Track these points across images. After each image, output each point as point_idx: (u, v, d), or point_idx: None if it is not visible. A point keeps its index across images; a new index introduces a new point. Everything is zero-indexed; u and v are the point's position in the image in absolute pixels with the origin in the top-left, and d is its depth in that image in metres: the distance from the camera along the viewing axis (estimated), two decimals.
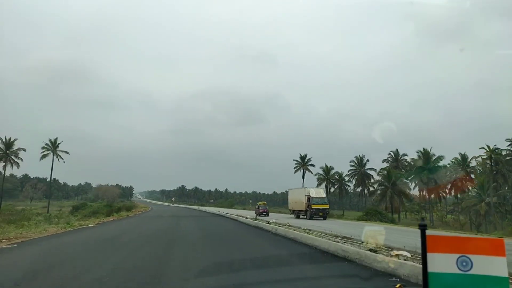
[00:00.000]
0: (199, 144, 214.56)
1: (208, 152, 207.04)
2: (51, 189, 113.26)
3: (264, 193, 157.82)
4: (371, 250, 5.84)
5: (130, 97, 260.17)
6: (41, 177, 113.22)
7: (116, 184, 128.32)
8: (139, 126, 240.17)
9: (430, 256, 1.49)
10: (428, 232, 1.53)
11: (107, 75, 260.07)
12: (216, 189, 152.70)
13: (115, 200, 63.22)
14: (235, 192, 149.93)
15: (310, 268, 5.62)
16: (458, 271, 1.45)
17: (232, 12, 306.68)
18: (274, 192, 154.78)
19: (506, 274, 1.41)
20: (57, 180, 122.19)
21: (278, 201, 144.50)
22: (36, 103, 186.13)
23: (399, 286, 1.76)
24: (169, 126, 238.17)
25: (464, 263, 1.45)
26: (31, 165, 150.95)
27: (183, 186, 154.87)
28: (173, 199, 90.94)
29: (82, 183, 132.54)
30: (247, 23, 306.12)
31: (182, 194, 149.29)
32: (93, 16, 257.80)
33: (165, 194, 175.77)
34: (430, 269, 1.48)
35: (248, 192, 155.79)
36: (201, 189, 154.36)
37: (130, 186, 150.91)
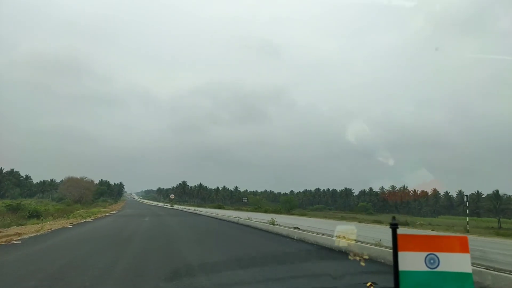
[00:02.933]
0: (200, 142, 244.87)
1: (210, 151, 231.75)
2: (6, 183, 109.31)
3: (279, 192, 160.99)
4: None
5: (128, 94, 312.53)
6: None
7: (101, 180, 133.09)
8: (136, 123, 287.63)
9: (400, 255, 1.91)
10: (399, 231, 1.94)
11: (104, 71, 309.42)
12: (224, 186, 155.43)
13: (84, 198, 57.70)
14: (246, 190, 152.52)
15: None
16: (427, 269, 1.87)
17: (236, 9, 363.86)
18: (292, 191, 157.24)
19: (470, 270, 1.82)
20: (17, 172, 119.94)
21: (300, 201, 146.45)
22: (32, 100, 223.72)
23: (370, 284, 2.18)
24: (169, 124, 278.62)
25: (432, 261, 1.87)
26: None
27: (184, 182, 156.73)
28: (171, 196, 74.17)
29: (54, 179, 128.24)
30: (251, 20, 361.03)
31: (183, 193, 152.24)
32: (92, 13, 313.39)
33: (162, 193, 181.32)
34: (401, 267, 1.91)
35: (259, 191, 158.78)
36: (206, 186, 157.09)
37: (120, 182, 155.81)
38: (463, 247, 1.84)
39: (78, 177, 64.20)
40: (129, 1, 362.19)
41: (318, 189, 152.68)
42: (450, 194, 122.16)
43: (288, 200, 77.86)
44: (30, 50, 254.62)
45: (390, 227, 1.94)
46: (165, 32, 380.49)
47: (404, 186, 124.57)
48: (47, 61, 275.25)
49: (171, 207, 58.18)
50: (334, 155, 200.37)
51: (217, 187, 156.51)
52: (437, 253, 1.87)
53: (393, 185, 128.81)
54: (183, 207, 61.92)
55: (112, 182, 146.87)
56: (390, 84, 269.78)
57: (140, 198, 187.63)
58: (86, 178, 66.36)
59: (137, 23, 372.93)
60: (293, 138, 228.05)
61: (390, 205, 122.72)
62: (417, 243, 1.91)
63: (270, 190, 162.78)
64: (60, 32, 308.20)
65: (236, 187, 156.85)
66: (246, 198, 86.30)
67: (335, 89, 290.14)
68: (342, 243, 9.13)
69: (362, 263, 6.98)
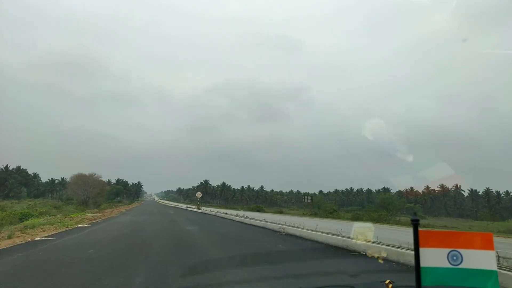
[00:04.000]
0: (218, 141, 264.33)
1: (228, 150, 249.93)
2: (11, 182, 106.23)
3: (307, 192, 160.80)
4: None
5: (144, 94, 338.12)
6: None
7: (117, 179, 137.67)
8: (154, 124, 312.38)
9: (422, 251, 2.06)
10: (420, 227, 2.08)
11: (120, 72, 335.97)
12: (249, 186, 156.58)
13: (92, 199, 55.28)
14: (272, 190, 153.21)
15: None
16: (449, 265, 2.01)
17: (251, 7, 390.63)
18: (321, 191, 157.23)
19: (495, 268, 1.94)
20: (24, 170, 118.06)
21: (333, 202, 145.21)
22: (49, 101, 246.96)
23: (389, 281, 2.32)
24: (186, 124, 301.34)
25: (454, 257, 2.00)
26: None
27: (206, 182, 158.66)
28: (198, 194, 62.73)
29: (65, 178, 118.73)
30: (267, 17, 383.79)
31: (205, 193, 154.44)
32: (105, 14, 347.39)
33: (182, 193, 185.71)
34: (423, 263, 2.06)
35: (284, 191, 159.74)
36: (229, 186, 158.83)
37: (138, 182, 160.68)
38: (488, 244, 1.96)
39: (87, 174, 60.64)
40: (143, 3, 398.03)
41: (350, 189, 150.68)
42: (492, 192, 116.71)
43: (387, 201, 55.90)
44: (45, 52, 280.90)
45: (412, 223, 2.09)
46: (180, 32, 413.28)
47: (447, 186, 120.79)
48: (62, 62, 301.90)
49: (198, 211, 46.81)
50: (354, 154, 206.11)
51: (242, 187, 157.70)
52: (460, 250, 2.00)
53: (442, 184, 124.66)
54: (213, 209, 52.55)
55: (130, 183, 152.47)
56: (411, 81, 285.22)
57: (160, 199, 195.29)
58: (96, 175, 62.54)
59: (150, 24, 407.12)
60: (313, 137, 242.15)
61: (439, 207, 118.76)
62: (439, 239, 2.04)
63: (297, 190, 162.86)
64: (75, 33, 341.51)
65: (262, 187, 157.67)
66: (309, 198, 66.10)
67: (354, 87, 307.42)
68: None
69: None
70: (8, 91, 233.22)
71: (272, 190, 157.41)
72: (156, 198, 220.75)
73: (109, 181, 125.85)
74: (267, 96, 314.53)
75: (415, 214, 2.10)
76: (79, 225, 20.03)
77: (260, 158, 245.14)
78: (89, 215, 31.03)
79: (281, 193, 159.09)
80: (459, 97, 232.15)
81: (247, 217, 28.24)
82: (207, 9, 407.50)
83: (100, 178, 65.35)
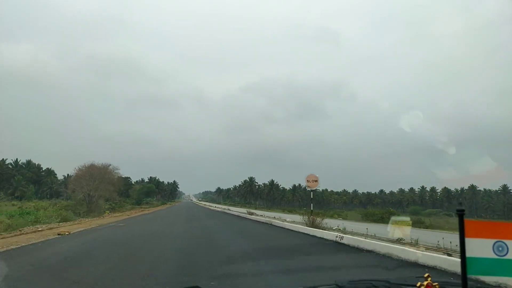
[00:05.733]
0: (255, 141, 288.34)
1: (266, 150, 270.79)
2: (16, 179, 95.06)
3: (368, 192, 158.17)
4: None
5: (181, 96, 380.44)
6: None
7: (150, 177, 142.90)
8: (191, 125, 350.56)
9: (468, 241, 2.39)
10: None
11: (158, 74, 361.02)
12: (299, 185, 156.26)
13: (98, 198, 44.86)
14: (326, 189, 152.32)
15: None
16: (495, 256, 2.32)
17: (292, 3, 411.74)
18: (382, 190, 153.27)
19: None
20: (36, 165, 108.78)
21: (399, 203, 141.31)
22: (90, 105, 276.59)
23: (427, 275, 2.63)
24: (223, 124, 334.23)
25: (500, 248, 2.32)
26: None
27: (251, 179, 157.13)
28: (312, 181, 20.49)
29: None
30: (308, 12, 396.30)
31: (250, 193, 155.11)
32: (144, 18, 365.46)
33: (222, 194, 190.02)
34: (468, 254, 2.39)
35: (337, 191, 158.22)
36: (278, 184, 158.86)
37: (174, 181, 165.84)
38: None
39: (99, 164, 50.11)
40: (179, 6, 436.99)
41: (423, 187, 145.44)
42: None
43: None
44: (88, 54, 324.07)
45: (457, 213, 2.42)
46: (216, 33, 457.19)
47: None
48: (103, 64, 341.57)
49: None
50: (404, 153, 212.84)
51: (294, 185, 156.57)
52: (506, 241, 2.30)
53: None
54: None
55: (166, 182, 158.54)
56: (461, 73, 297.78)
57: (199, 200, 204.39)
58: (110, 167, 52.80)
59: (187, 26, 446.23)
60: (355, 135, 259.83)
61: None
62: (485, 230, 2.36)
63: (355, 190, 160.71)
64: (114, 35, 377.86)
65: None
66: None
67: (397, 82, 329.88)
68: None
69: None
70: (50, 93, 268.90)
71: (326, 189, 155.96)
72: (194, 199, 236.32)
73: (142, 180, 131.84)
74: (308, 92, 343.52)
75: (460, 204, 2.41)
76: None
77: (300, 157, 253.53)
78: None
79: (337, 193, 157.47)
80: None
81: None
82: (246, 9, 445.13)
83: (117, 171, 56.24)
